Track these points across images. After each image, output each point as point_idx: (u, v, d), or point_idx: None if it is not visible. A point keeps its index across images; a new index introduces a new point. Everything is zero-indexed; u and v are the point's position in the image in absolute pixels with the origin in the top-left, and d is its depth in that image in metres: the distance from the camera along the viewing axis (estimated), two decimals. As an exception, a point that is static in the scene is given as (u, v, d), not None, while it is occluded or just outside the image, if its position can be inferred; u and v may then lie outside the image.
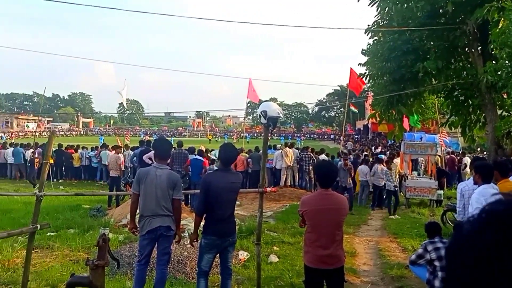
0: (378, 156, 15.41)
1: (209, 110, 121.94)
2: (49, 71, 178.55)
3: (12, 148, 18.38)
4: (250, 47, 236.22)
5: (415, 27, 8.76)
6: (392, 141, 20.74)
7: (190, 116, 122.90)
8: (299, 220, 4.14)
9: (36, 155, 16.89)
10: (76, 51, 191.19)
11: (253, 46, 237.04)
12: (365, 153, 19.73)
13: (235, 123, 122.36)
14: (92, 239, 7.48)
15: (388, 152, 17.96)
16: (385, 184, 12.11)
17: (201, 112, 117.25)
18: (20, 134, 71.58)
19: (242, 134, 46.41)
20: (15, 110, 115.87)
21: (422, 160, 15.56)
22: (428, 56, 9.27)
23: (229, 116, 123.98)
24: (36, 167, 16.62)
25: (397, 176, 12.78)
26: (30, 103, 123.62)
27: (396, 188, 12.00)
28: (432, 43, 9.55)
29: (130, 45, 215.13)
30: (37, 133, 49.22)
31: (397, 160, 14.27)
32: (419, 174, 14.87)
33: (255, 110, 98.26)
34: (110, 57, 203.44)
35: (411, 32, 9.15)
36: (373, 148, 24.64)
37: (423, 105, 11.02)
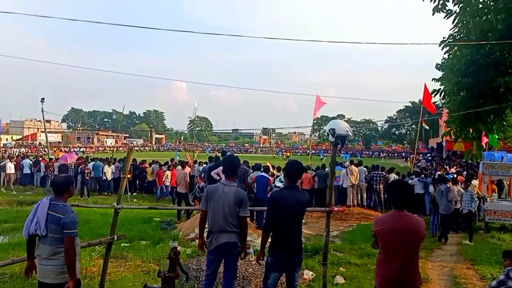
0: (446, 176, 14.56)
1: (275, 127, 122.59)
2: (127, 90, 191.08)
3: (92, 162, 19.69)
4: (318, 63, 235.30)
5: (495, 40, 8.21)
6: (470, 161, 19.42)
7: (256, 133, 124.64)
8: (372, 240, 3.98)
9: (87, 167, 18.54)
10: (152, 70, 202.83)
11: (321, 62, 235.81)
12: (439, 172, 18.64)
13: (301, 140, 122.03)
14: (162, 251, 7.77)
15: (465, 172, 16.83)
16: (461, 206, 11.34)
17: (267, 129, 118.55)
18: (100, 149, 76.79)
19: (308, 151, 46.05)
20: (96, 126, 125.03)
21: (507, 182, 14.41)
22: (510, 71, 8.64)
23: (295, 132, 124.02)
24: (87, 177, 18.08)
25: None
26: (110, 120, 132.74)
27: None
28: (514, 56, 8.93)
29: (202, 64, 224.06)
30: (115, 148, 52.56)
31: (475, 182, 13.37)
32: (499, 197, 13.76)
33: (322, 127, 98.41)
34: (183, 76, 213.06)
35: (491, 46, 8.60)
36: (447, 167, 23.24)
37: (504, 123, 10.21)
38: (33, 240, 3.95)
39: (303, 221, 8.66)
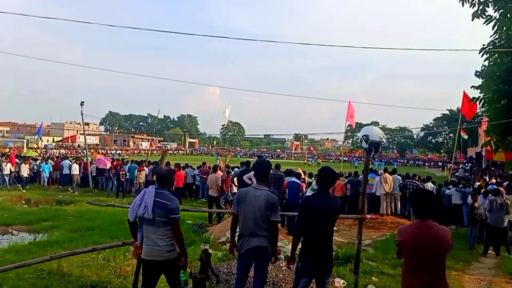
0: (489, 187, 14.03)
1: (308, 133, 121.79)
2: (162, 95, 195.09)
3: (128, 165, 20.19)
4: (352, 70, 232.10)
5: (538, 46, 7.92)
6: (511, 172, 18.64)
7: (288, 139, 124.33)
8: (396, 250, 3.90)
9: (122, 169, 19.34)
10: (187, 76, 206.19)
11: (355, 69, 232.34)
12: (478, 183, 17.99)
13: (334, 146, 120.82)
14: (193, 253, 7.85)
15: (506, 183, 16.17)
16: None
17: (299, 135, 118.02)
18: (135, 151, 78.63)
19: (341, 158, 45.51)
20: (132, 130, 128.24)
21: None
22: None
23: (327, 139, 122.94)
24: (122, 179, 18.81)
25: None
26: (145, 124, 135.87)
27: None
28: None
29: (236, 69, 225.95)
30: (149, 151, 53.71)
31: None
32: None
33: (355, 134, 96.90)
34: (218, 81, 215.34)
35: (533, 53, 8.30)
36: (487, 178, 22.41)
37: (548, 132, 9.80)
38: (135, 223, 4.49)
39: (335, 228, 8.53)
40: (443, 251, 3.55)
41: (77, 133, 70.41)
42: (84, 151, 29.79)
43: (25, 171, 20.49)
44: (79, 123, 62.80)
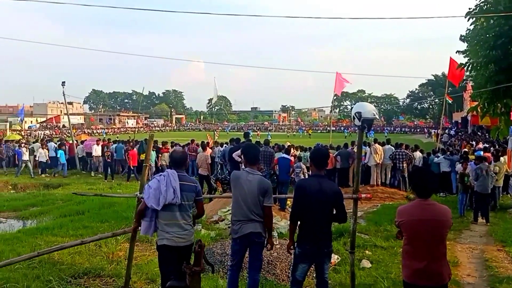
0: (476, 152, 14.12)
1: (295, 106, 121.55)
2: (147, 71, 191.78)
3: (115, 145, 19.84)
4: (337, 39, 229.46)
5: (526, 10, 7.78)
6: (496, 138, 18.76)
7: (275, 111, 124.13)
8: (396, 231, 3.83)
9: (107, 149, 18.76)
10: (171, 51, 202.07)
11: (341, 37, 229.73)
12: (465, 149, 18.13)
13: (321, 116, 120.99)
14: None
15: (492, 149, 16.28)
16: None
17: (286, 107, 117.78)
18: (122, 130, 77.77)
19: (328, 128, 45.61)
20: (117, 107, 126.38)
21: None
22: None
23: (314, 109, 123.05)
24: (109, 160, 18.38)
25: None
26: (130, 101, 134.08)
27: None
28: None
29: (221, 42, 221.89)
30: (136, 129, 53.16)
31: (503, 158, 12.96)
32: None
33: (342, 103, 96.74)
34: (202, 55, 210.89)
35: (521, 17, 8.16)
36: (474, 143, 22.61)
37: (536, 97, 9.77)
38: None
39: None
40: (444, 231, 3.50)
41: (61, 113, 69.17)
42: (69, 132, 29.23)
43: (42, 156, 19.59)
44: (62, 103, 61.74)
